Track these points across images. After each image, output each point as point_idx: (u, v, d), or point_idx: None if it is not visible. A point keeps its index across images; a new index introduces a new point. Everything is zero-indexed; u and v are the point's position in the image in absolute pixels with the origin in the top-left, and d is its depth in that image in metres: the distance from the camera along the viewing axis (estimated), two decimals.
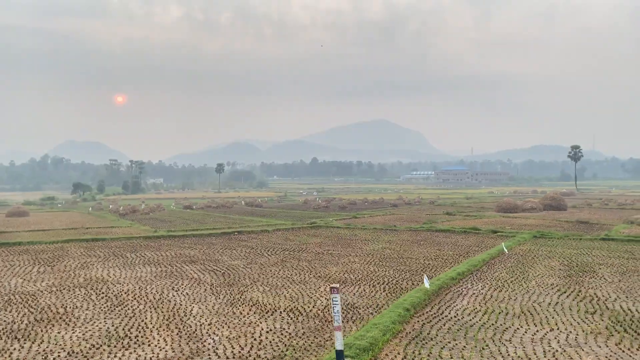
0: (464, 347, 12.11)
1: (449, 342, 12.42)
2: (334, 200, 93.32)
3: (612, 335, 13.09)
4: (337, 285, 10.59)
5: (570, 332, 13.38)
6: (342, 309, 15.91)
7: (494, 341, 12.59)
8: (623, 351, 11.82)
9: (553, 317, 14.81)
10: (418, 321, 14.31)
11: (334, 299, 10.34)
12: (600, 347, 12.19)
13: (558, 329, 13.68)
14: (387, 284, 19.35)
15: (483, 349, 11.98)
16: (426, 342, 12.40)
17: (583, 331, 13.41)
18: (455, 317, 14.85)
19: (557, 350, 11.84)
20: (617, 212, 56.57)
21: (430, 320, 14.40)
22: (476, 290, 18.50)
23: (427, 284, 16.97)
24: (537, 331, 13.46)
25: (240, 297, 17.31)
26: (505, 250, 27.97)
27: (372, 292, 18.14)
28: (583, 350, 11.97)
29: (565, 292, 17.96)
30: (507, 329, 13.69)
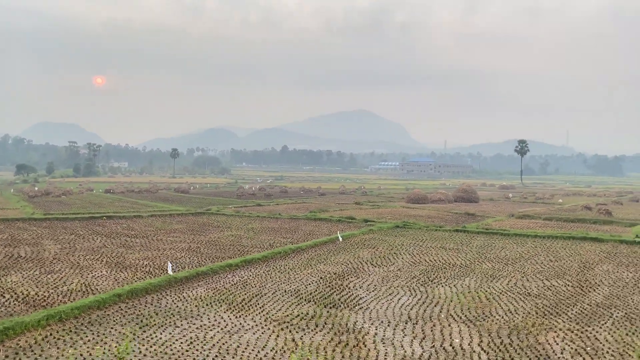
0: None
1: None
2: (274, 188, 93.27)
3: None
4: None
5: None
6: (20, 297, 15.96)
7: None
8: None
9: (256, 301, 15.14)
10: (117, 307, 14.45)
11: None
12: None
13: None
14: (151, 268, 19.43)
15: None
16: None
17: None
18: (189, 298, 15.05)
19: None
20: (522, 205, 57.73)
21: (148, 305, 14.56)
22: (242, 274, 18.79)
23: (170, 270, 17.10)
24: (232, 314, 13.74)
25: None
26: (340, 238, 28.39)
27: (112, 273, 18.19)
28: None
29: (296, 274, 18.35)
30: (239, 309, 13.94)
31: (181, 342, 11.83)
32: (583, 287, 18.58)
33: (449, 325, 13.70)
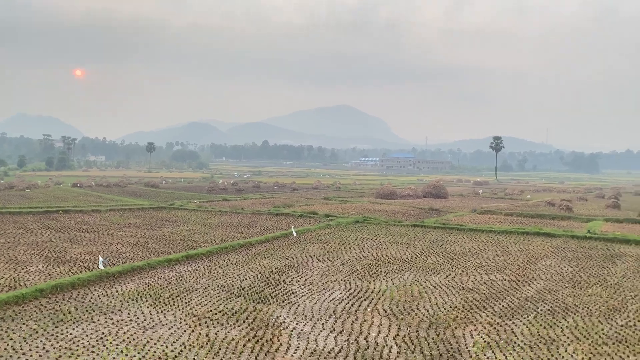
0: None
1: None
2: (248, 183, 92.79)
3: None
4: None
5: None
6: None
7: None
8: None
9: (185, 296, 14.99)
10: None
11: None
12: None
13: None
14: (90, 263, 19.10)
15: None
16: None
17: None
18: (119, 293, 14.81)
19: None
20: (489, 201, 58.35)
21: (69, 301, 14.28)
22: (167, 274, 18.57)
23: (101, 264, 16.82)
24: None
25: None
26: (294, 233, 28.32)
27: (48, 268, 17.86)
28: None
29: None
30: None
31: (90, 338, 11.63)
32: (519, 281, 18.80)
33: (372, 319, 13.72)
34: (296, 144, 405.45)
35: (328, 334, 12.47)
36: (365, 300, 15.64)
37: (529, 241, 28.42)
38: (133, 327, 12.51)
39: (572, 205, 48.63)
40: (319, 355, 11.11)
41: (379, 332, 12.76)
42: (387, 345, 11.86)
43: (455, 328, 13.20)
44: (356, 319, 13.69)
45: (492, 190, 77.17)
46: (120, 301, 14.65)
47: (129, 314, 13.53)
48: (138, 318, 13.19)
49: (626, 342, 12.47)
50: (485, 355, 11.41)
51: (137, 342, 11.46)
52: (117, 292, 15.65)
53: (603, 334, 13.03)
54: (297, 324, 13.21)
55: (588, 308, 15.34)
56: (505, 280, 18.90)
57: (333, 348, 11.55)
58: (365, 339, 12.22)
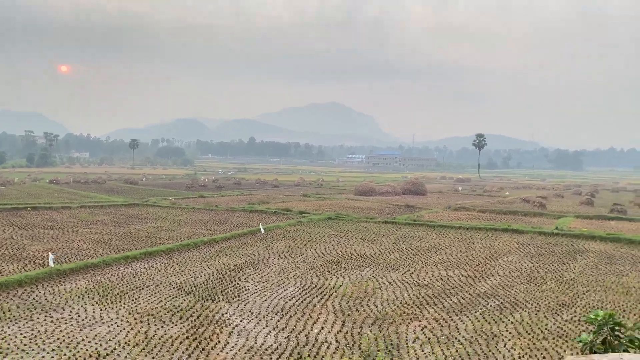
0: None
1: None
2: (230, 180, 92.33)
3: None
4: None
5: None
6: None
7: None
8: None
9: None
10: None
11: None
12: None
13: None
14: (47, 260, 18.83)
15: None
16: None
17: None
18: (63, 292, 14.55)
19: None
20: (467, 197, 58.69)
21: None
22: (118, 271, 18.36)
23: (51, 262, 16.54)
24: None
25: None
26: (262, 230, 28.21)
27: (1, 266, 17.57)
28: None
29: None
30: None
31: (24, 337, 11.43)
32: (477, 277, 18.90)
33: (319, 316, 13.68)
34: (285, 141, 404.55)
35: (270, 331, 12.40)
36: (317, 297, 15.60)
37: (496, 237, 28.61)
38: (71, 325, 12.33)
39: (546, 202, 49.11)
40: (255, 353, 11.04)
41: (322, 328, 12.73)
42: (326, 341, 11.83)
43: (400, 324, 13.21)
44: (302, 316, 13.64)
45: (471, 187, 77.64)
46: (66, 299, 14.44)
47: (70, 312, 13.33)
48: (79, 316, 13.00)
49: (566, 336, 12.57)
50: (422, 350, 11.43)
51: (71, 341, 11.29)
52: (64, 289, 15.43)
53: (546, 329, 13.13)
54: (241, 321, 13.12)
55: (537, 303, 15.45)
56: (462, 276, 18.98)
57: (271, 345, 11.49)
58: (306, 335, 12.17)
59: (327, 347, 11.44)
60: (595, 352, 6.26)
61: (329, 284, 17.14)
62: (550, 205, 48.03)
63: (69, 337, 11.48)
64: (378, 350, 11.30)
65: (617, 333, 6.38)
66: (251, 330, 12.42)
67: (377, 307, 14.67)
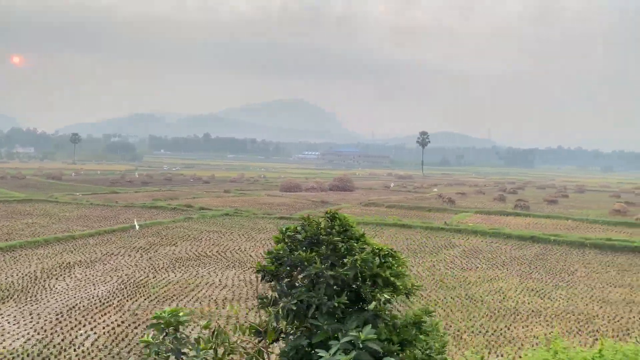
0: None
1: None
2: (164, 175, 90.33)
3: None
4: None
5: None
6: None
7: None
8: None
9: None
10: None
11: None
12: None
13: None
14: None
15: None
16: None
17: None
18: None
19: None
20: (393, 193, 59.13)
21: None
22: None
23: None
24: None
25: None
26: (137, 227, 27.23)
27: None
28: None
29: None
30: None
31: None
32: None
33: (102, 317, 12.91)
34: (246, 137, 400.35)
35: (25, 335, 11.55)
36: (126, 297, 14.82)
37: (383, 232, 28.58)
38: None
39: (461, 199, 49.95)
40: None
41: (92, 330, 11.98)
42: (83, 346, 11.09)
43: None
44: (84, 317, 12.85)
45: (402, 184, 78.38)
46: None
47: None
48: None
49: None
50: None
51: None
52: None
53: None
54: (7, 322, 12.22)
55: None
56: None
57: (15, 349, 10.66)
58: (62, 339, 11.41)
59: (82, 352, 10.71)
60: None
61: (152, 282, 16.40)
62: (463, 202, 48.78)
63: None
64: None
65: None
66: (6, 334, 11.54)
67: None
